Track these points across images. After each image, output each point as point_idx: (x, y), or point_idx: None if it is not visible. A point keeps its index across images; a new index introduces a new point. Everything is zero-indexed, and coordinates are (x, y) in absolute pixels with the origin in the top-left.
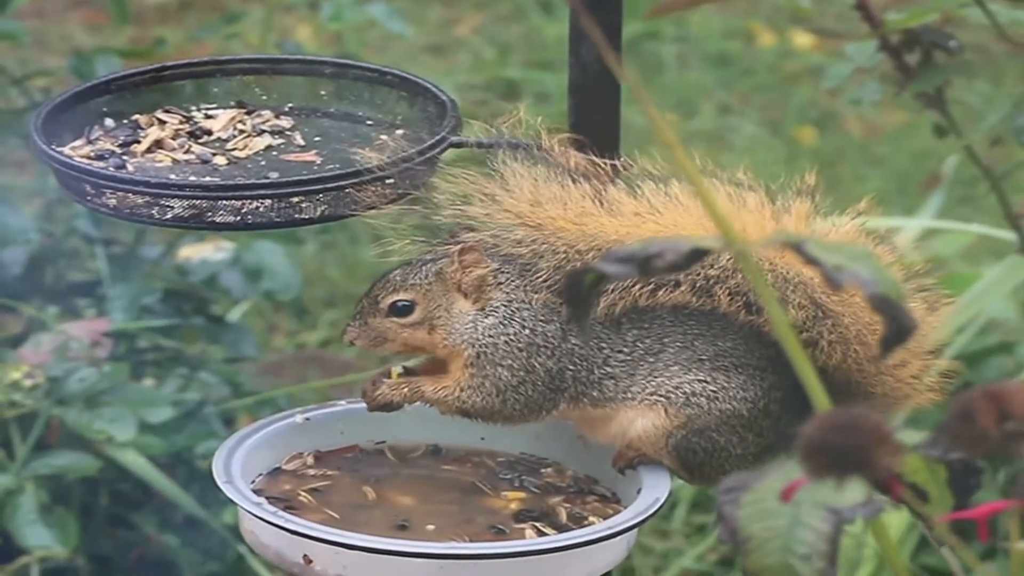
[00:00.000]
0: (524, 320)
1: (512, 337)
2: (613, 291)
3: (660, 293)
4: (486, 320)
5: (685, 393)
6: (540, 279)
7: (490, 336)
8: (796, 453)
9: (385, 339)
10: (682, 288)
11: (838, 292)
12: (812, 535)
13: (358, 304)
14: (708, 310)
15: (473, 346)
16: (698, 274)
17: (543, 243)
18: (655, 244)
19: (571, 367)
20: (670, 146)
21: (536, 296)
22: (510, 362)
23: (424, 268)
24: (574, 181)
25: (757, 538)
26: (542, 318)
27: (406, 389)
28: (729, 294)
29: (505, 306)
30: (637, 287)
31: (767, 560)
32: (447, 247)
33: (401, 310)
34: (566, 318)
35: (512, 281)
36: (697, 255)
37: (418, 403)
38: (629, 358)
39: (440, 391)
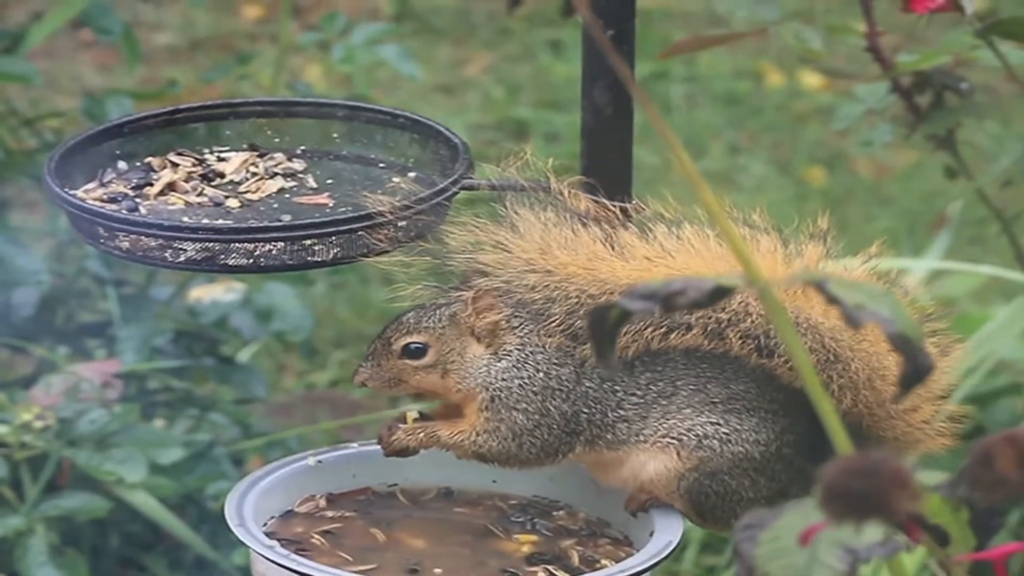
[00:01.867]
0: (538, 363)
1: (526, 380)
2: (626, 334)
3: (672, 336)
4: (499, 364)
5: (697, 435)
6: (554, 324)
7: (504, 380)
8: (816, 496)
9: (398, 381)
10: (694, 331)
11: (852, 334)
12: (829, 574)
13: (370, 345)
14: (721, 353)
15: (487, 390)
16: (710, 317)
17: (555, 288)
18: (677, 282)
19: (585, 410)
20: (694, 183)
21: (550, 340)
22: (525, 406)
23: (438, 312)
24: (584, 225)
25: None
26: (556, 361)
27: (422, 434)
28: (741, 337)
29: (519, 350)
30: (649, 330)
31: None
32: (461, 292)
33: (414, 352)
34: (591, 356)
35: (525, 325)
36: (720, 293)
37: (433, 447)
38: (642, 401)
39: (456, 436)
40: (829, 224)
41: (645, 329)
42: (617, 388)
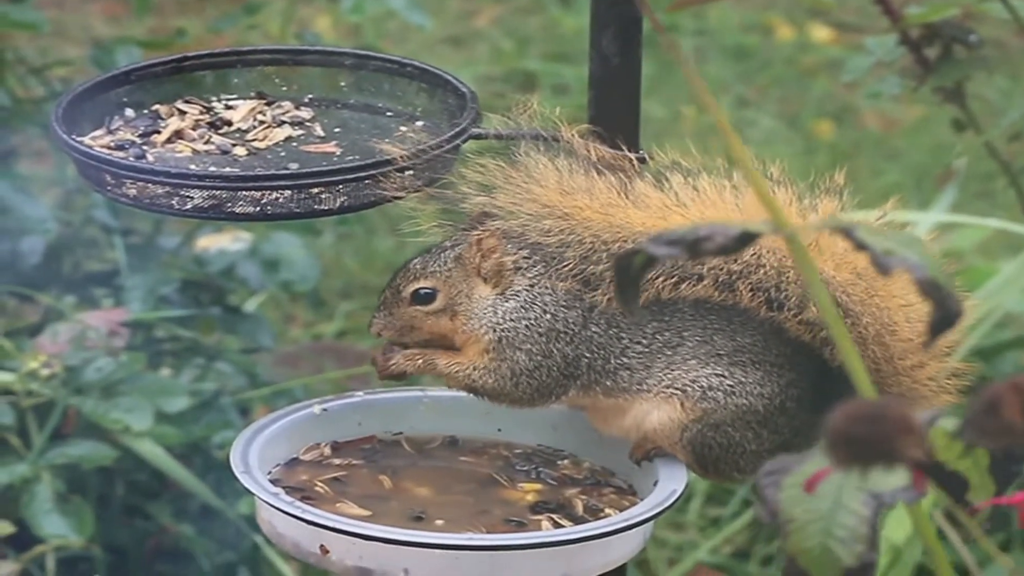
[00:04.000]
0: (546, 305)
1: (533, 322)
2: None
3: (683, 286)
4: (506, 304)
5: (702, 387)
6: (566, 268)
7: (511, 320)
8: (821, 443)
9: (411, 328)
10: (705, 282)
11: (864, 289)
12: (853, 519)
13: (381, 295)
14: (729, 305)
15: (494, 330)
16: (721, 268)
17: (570, 233)
18: (704, 227)
19: (587, 355)
20: (720, 128)
21: (561, 284)
22: (529, 347)
23: (443, 255)
24: (599, 173)
25: (798, 520)
26: (564, 304)
27: (420, 360)
28: (751, 289)
29: (527, 291)
30: (661, 279)
31: (807, 543)
32: (467, 233)
33: (423, 298)
34: (605, 301)
35: (535, 267)
36: (746, 239)
37: (428, 374)
38: (647, 350)
39: (452, 366)
40: (844, 179)
41: (656, 278)
42: (623, 335)
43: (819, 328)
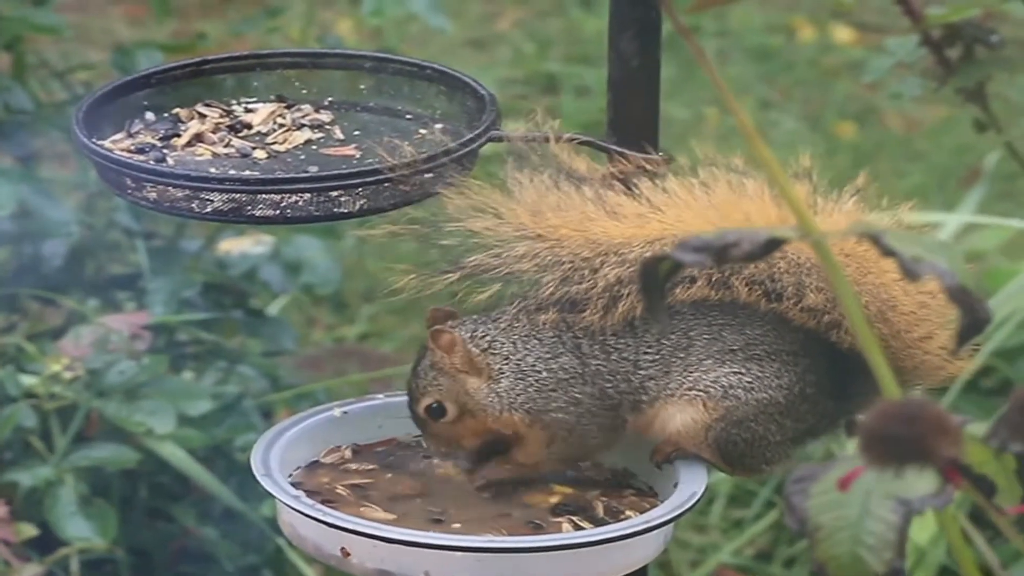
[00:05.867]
0: (535, 367)
1: (536, 385)
2: (630, 295)
3: (677, 291)
4: (500, 385)
5: (723, 386)
6: (546, 294)
7: (518, 394)
8: (856, 442)
9: (450, 439)
10: (699, 283)
11: (856, 268)
12: (882, 526)
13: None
14: (729, 301)
15: (515, 410)
16: (711, 267)
17: (547, 255)
18: (731, 233)
19: (608, 384)
20: (746, 134)
21: (544, 317)
22: (555, 405)
23: (424, 368)
24: (577, 186)
25: (826, 528)
26: (549, 355)
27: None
28: (747, 284)
29: (506, 365)
30: None
31: (835, 550)
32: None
33: (436, 412)
34: (588, 321)
35: (496, 339)
36: (773, 245)
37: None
38: (659, 356)
39: (528, 456)
40: (865, 180)
41: None
42: (625, 355)
43: (821, 314)
